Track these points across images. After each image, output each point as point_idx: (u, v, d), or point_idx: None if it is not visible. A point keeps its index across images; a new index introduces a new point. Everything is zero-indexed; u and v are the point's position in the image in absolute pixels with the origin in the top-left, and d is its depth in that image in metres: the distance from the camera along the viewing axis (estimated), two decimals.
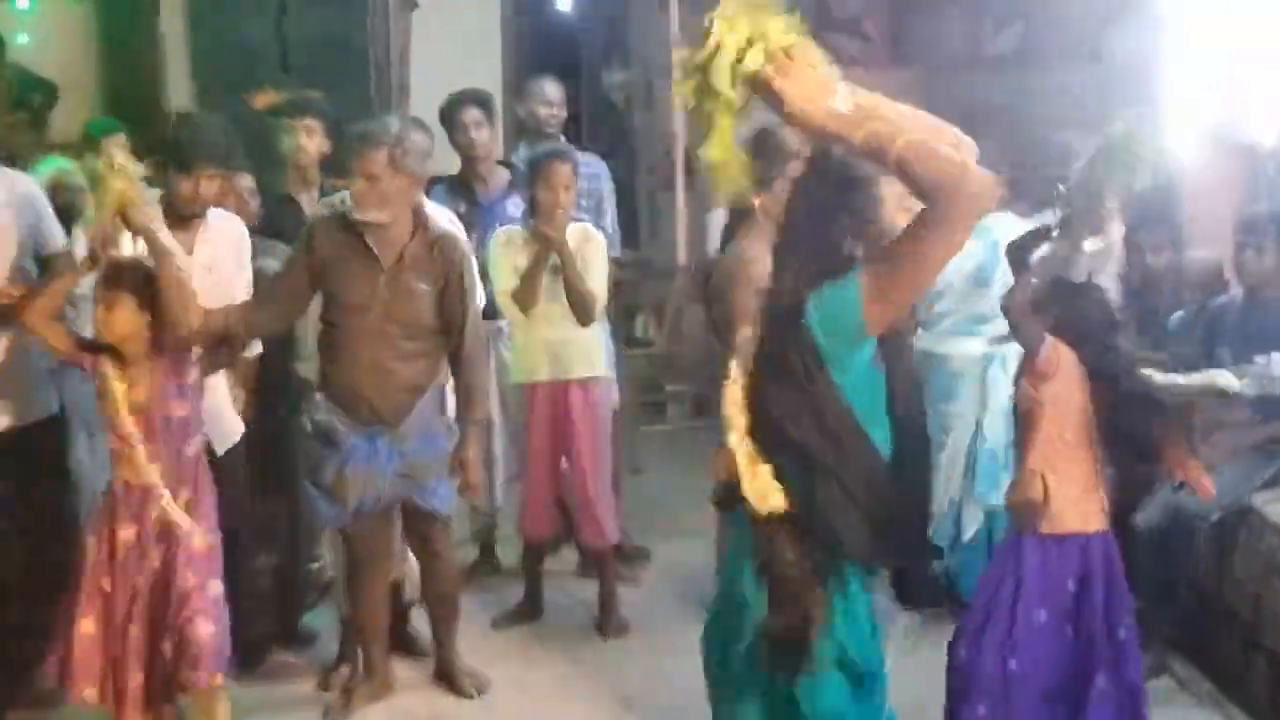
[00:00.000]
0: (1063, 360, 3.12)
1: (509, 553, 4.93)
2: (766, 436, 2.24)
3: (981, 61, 6.58)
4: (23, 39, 8.17)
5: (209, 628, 3.33)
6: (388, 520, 3.88)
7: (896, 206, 2.20)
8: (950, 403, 4.35)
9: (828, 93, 2.05)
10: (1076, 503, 3.15)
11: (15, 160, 5.35)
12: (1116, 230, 4.59)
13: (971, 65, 6.56)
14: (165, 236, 3.40)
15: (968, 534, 4.33)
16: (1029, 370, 3.17)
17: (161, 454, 3.36)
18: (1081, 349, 3.13)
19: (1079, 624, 3.15)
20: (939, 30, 6.83)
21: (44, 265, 3.81)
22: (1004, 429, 4.27)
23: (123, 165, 3.29)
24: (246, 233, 4.00)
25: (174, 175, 3.70)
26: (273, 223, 4.37)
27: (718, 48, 2.02)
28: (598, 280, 4.37)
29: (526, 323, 4.37)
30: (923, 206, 2.07)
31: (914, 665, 3.81)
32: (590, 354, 4.46)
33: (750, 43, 2.03)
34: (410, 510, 3.85)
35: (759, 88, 2.05)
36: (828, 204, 2.25)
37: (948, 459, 4.33)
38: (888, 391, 2.26)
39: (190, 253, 3.71)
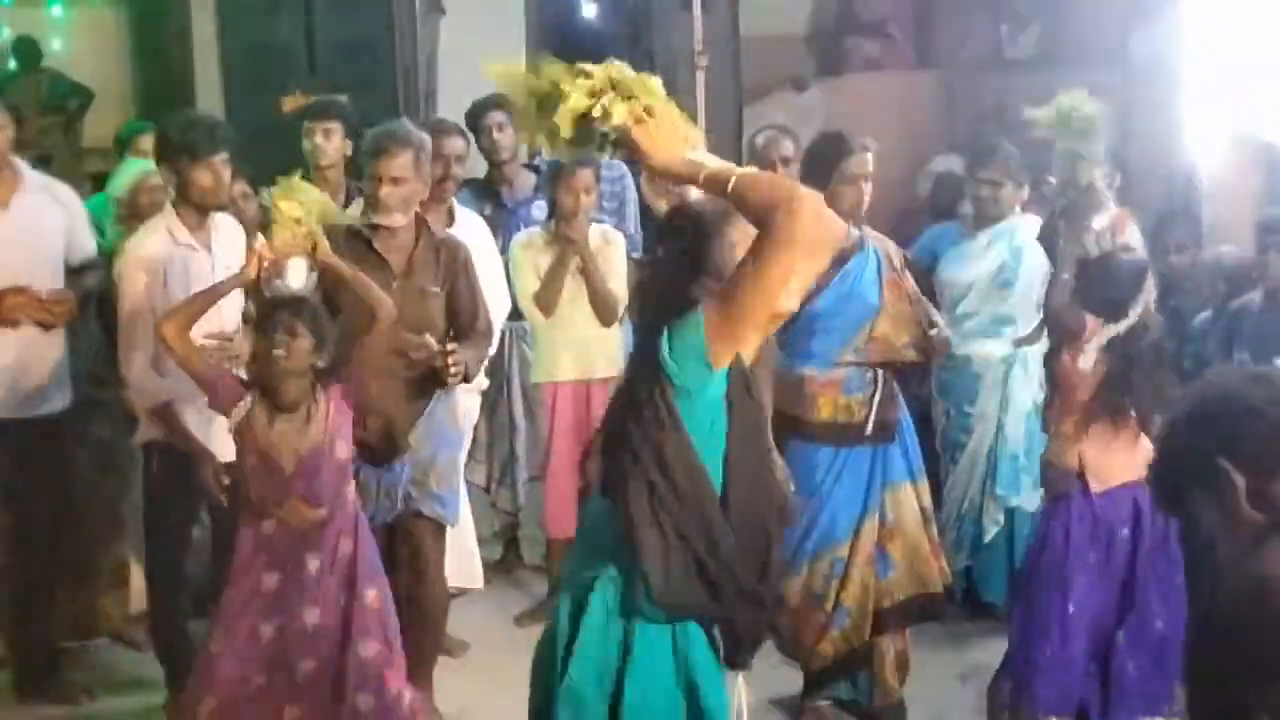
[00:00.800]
0: (1096, 331, 3.39)
1: (532, 551, 4.98)
2: (615, 477, 2.28)
3: (1003, 63, 6.60)
4: (57, 45, 8.31)
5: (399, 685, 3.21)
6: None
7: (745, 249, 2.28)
8: (972, 404, 4.36)
9: (684, 146, 2.28)
10: (1120, 457, 3.38)
11: (49, 163, 5.46)
12: (1134, 233, 4.61)
13: (993, 67, 6.57)
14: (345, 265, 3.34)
15: (988, 535, 4.34)
16: (1069, 345, 3.42)
17: (325, 499, 3.16)
18: (1112, 315, 3.38)
19: (1130, 569, 3.42)
20: (961, 32, 6.85)
21: (69, 272, 3.86)
22: (1025, 430, 4.29)
23: (298, 210, 3.22)
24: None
25: (192, 167, 3.58)
26: None
27: (563, 94, 2.25)
28: (619, 281, 4.42)
29: (550, 324, 4.42)
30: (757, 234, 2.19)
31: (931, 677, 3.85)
32: (613, 354, 4.51)
33: (601, 94, 2.25)
34: (409, 521, 3.71)
35: (623, 139, 2.26)
36: (676, 249, 2.38)
37: (968, 460, 4.35)
38: (726, 431, 2.26)
39: (210, 251, 3.69)
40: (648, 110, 2.25)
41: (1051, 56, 6.41)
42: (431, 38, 7.51)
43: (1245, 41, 4.98)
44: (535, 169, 5.01)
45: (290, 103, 7.05)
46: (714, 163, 2.26)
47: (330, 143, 4.55)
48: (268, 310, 3.19)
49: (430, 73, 7.45)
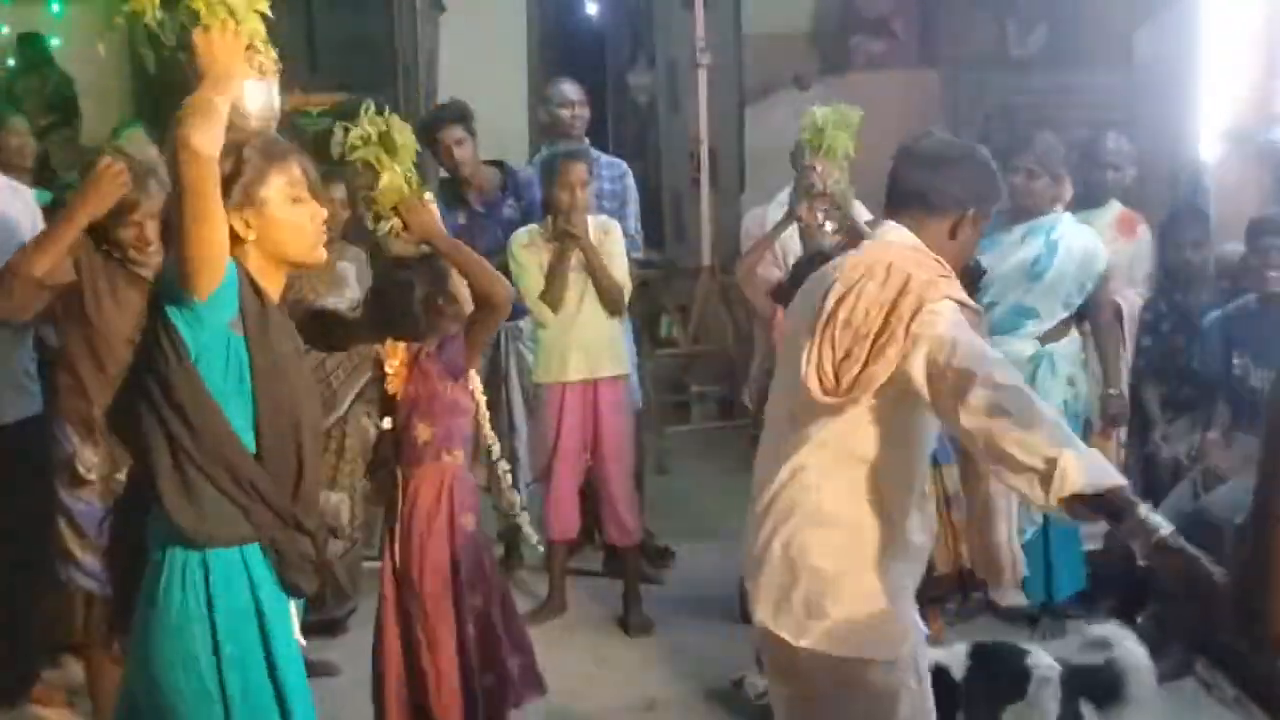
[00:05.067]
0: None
1: (532, 552, 4.94)
2: (132, 428, 2.31)
3: (1008, 62, 6.57)
4: (55, 41, 8.28)
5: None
6: None
7: None
8: None
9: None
10: None
11: (48, 159, 5.40)
12: (1145, 233, 4.58)
13: (998, 66, 6.55)
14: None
15: (1026, 535, 4.30)
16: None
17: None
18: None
19: None
20: (966, 31, 6.83)
21: None
22: None
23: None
24: None
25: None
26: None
27: None
28: (621, 270, 4.41)
29: (557, 324, 4.39)
30: None
31: None
32: (617, 352, 4.50)
33: None
34: None
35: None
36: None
37: None
38: (251, 363, 2.28)
39: None
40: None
41: (1057, 55, 6.39)
42: (432, 36, 7.50)
43: (1251, 39, 4.96)
44: (498, 164, 4.95)
45: (292, 101, 6.98)
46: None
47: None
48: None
49: (430, 71, 7.44)
